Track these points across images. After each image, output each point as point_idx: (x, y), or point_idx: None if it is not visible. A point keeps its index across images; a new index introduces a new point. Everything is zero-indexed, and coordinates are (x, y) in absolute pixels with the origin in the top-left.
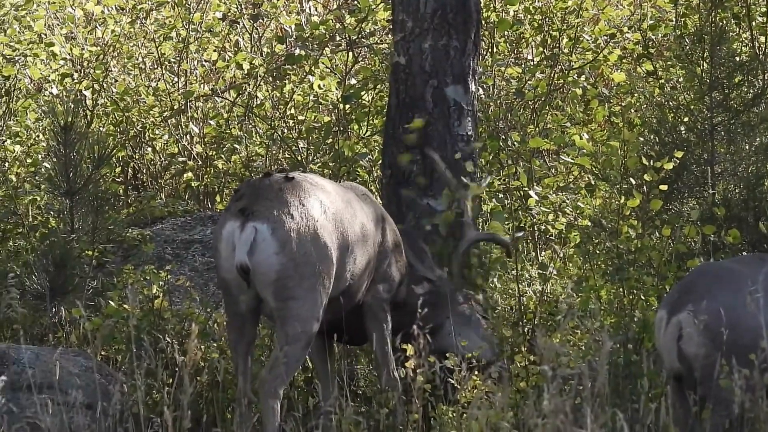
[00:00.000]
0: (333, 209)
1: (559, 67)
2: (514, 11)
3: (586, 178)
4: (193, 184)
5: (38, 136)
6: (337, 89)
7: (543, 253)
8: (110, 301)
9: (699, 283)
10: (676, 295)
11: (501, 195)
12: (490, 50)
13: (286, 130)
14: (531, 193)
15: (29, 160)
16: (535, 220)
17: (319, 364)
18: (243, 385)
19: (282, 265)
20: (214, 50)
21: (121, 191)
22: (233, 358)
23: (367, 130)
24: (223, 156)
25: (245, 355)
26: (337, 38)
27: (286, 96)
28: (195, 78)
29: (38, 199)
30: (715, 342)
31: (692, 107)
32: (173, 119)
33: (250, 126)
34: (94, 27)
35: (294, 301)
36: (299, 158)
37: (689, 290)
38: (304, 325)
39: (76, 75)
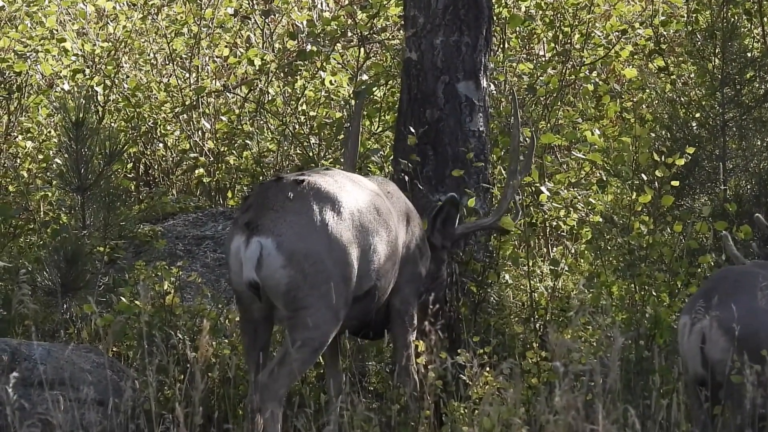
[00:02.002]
0: (351, 208)
1: (571, 63)
2: (526, 7)
3: (598, 174)
4: (204, 180)
5: (50, 132)
6: (348, 85)
7: (554, 249)
8: (122, 297)
9: (720, 288)
10: (698, 301)
11: None
12: (501, 46)
13: (297, 126)
14: (542, 188)
15: (41, 156)
16: (546, 216)
17: (330, 360)
18: (252, 392)
19: (290, 278)
20: (226, 46)
21: (132, 187)
22: (247, 363)
23: (378, 126)
24: (234, 152)
25: (258, 361)
26: (349, 34)
27: (298, 92)
28: (206, 74)
29: (50, 195)
30: (739, 346)
31: (704, 103)
32: (185, 115)
33: (262, 122)
34: (106, 23)
35: (306, 310)
36: (311, 154)
37: (711, 296)
38: (317, 331)
39: (87, 71)
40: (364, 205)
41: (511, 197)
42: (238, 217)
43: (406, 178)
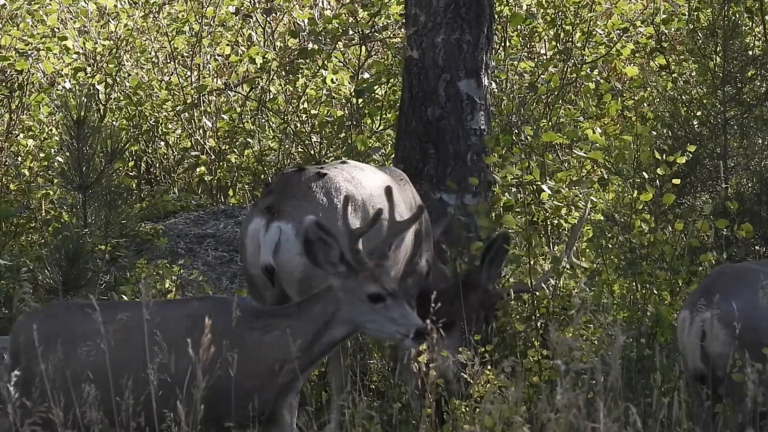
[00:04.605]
0: (366, 207)
1: (572, 61)
2: (527, 5)
3: (599, 173)
4: (206, 179)
5: (51, 131)
6: (350, 83)
7: (556, 247)
8: (123, 296)
9: (721, 282)
10: (698, 295)
11: (514, 189)
12: (502, 44)
13: (299, 124)
14: (544, 187)
15: (42, 155)
16: (547, 214)
17: (332, 359)
18: None
19: (306, 266)
20: (227, 44)
21: (134, 185)
22: None
23: (380, 124)
24: (236, 150)
25: None
26: (350, 32)
27: (299, 90)
28: (208, 72)
29: (51, 193)
30: (738, 340)
31: (705, 101)
32: (186, 113)
33: (263, 120)
34: (107, 21)
35: None
36: (312, 152)
37: (712, 290)
38: None
39: (89, 69)
40: (378, 203)
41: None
42: (259, 201)
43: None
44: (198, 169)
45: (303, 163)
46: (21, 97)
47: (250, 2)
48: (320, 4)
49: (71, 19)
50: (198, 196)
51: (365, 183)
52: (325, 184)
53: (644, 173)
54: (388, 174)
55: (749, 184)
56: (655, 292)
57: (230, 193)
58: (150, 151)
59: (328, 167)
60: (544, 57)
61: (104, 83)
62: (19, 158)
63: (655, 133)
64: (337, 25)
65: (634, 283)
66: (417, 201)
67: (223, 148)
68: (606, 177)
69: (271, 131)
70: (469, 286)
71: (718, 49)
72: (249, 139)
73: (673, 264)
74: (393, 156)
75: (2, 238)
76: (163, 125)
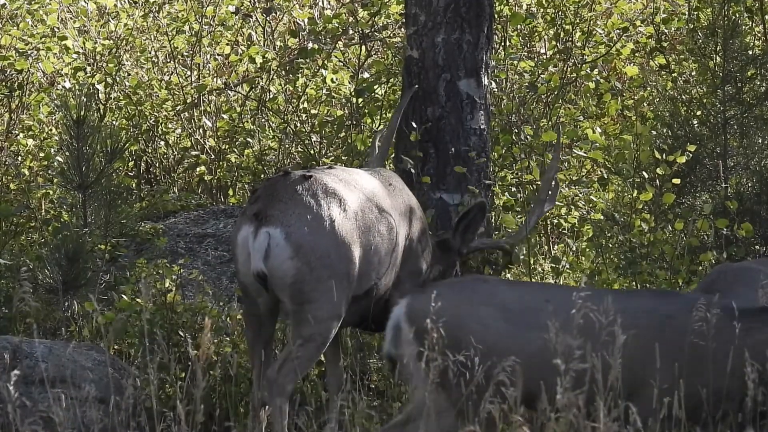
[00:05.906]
0: (355, 207)
1: (572, 60)
2: (527, 5)
3: (599, 172)
4: (205, 178)
5: (51, 130)
6: (350, 83)
7: (556, 246)
8: (123, 295)
9: (720, 282)
10: (698, 294)
11: (514, 189)
12: (502, 44)
13: (298, 124)
14: None
15: (42, 154)
16: (547, 213)
17: (330, 358)
18: (256, 384)
19: (297, 270)
20: (227, 44)
21: (133, 185)
22: (250, 357)
23: (380, 124)
24: (235, 150)
25: (261, 354)
26: (350, 32)
27: (299, 90)
28: (208, 72)
29: (51, 193)
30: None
31: (705, 101)
32: (186, 113)
33: (263, 120)
34: (107, 20)
35: (310, 304)
36: (312, 152)
37: (712, 290)
38: (320, 327)
39: (88, 69)
40: (367, 205)
41: (534, 224)
42: (246, 208)
43: (413, 171)
44: (198, 169)
45: (289, 167)
46: (21, 96)
47: (250, 2)
48: (320, 4)
49: (71, 18)
50: (198, 196)
51: (354, 185)
52: (311, 186)
53: (644, 173)
54: (377, 178)
55: (749, 184)
56: None
57: (230, 192)
58: (150, 150)
59: (315, 170)
60: (544, 57)
61: (104, 83)
62: (19, 158)
63: (654, 132)
64: (337, 25)
65: (634, 283)
66: (411, 205)
67: (223, 147)
68: (606, 176)
69: (271, 131)
70: (443, 250)
71: (718, 48)
72: (249, 139)
73: (673, 264)
74: (393, 156)
75: (2, 237)
76: (162, 125)
